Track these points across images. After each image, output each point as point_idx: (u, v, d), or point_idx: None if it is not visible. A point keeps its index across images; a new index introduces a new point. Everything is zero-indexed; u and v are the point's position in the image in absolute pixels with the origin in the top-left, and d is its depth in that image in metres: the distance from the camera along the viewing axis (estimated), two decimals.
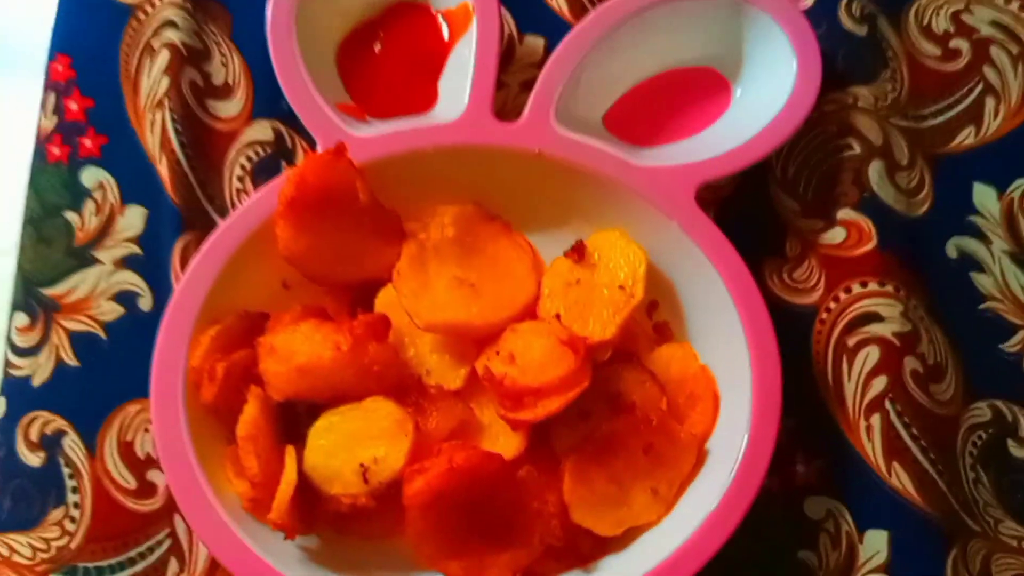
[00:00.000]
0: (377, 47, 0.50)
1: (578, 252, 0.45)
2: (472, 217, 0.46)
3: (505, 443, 0.43)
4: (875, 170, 0.48)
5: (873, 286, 0.46)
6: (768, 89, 0.46)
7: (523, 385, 0.42)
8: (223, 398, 0.42)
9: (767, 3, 0.46)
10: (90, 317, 0.48)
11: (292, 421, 0.43)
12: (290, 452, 0.41)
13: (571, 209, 0.47)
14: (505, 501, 0.40)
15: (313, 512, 0.41)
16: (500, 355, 0.43)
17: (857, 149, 0.48)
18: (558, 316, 0.44)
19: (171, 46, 0.51)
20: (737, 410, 0.43)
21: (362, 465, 0.40)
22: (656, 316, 0.47)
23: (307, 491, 0.41)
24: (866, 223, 0.47)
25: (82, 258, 0.49)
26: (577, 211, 0.47)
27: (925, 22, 0.51)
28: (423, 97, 0.49)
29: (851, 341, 0.46)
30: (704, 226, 0.44)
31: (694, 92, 0.50)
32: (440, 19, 0.50)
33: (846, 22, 0.50)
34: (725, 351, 0.44)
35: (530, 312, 0.45)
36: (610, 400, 0.44)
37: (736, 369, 0.43)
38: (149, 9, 0.52)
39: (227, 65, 0.51)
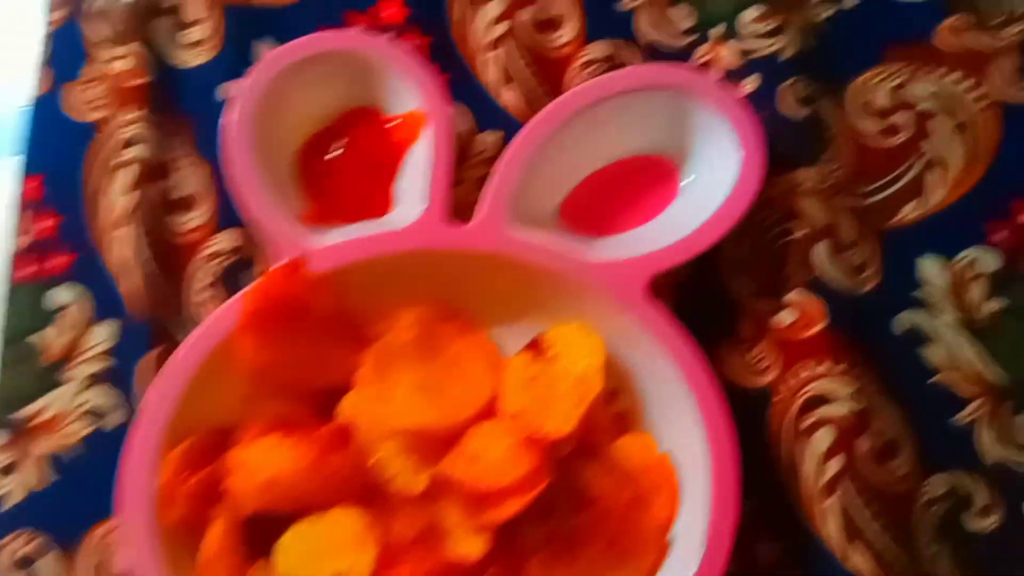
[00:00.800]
0: (334, 154, 0.51)
1: (535, 347, 0.46)
2: (430, 318, 0.47)
3: (470, 545, 0.43)
4: (820, 251, 0.49)
5: (826, 366, 0.47)
6: (714, 177, 0.47)
7: (486, 487, 0.42)
8: (192, 516, 0.42)
9: (709, 96, 0.47)
10: (62, 436, 0.48)
11: (262, 535, 0.43)
12: (256, 570, 0.42)
13: (529, 304, 0.48)
14: None
15: None
16: (461, 458, 0.43)
17: (803, 230, 0.48)
18: (517, 415, 0.44)
19: (134, 162, 0.51)
20: (697, 498, 0.43)
21: None
22: (616, 405, 0.47)
23: None
24: (815, 304, 0.48)
25: (50, 379, 0.50)
26: (535, 306, 0.48)
27: (865, 99, 0.52)
28: (380, 202, 0.50)
29: (805, 423, 0.46)
30: (657, 317, 0.45)
31: (645, 180, 0.51)
32: (394, 124, 0.51)
33: (786, 106, 0.51)
34: (682, 439, 0.44)
35: (491, 410, 0.45)
36: (573, 495, 0.44)
37: (694, 456, 0.43)
38: (112, 126, 0.52)
39: (192, 177, 0.52)
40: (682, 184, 0.50)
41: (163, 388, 0.44)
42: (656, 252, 0.46)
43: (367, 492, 0.44)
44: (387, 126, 0.51)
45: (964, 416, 0.48)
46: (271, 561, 0.42)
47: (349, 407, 0.46)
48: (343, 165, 0.51)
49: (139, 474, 0.43)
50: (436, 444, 0.45)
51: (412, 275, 0.47)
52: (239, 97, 0.48)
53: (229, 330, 0.44)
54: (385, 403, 0.45)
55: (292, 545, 0.43)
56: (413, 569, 0.40)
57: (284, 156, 0.50)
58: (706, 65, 0.53)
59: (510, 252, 0.46)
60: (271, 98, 0.48)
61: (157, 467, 0.43)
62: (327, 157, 0.51)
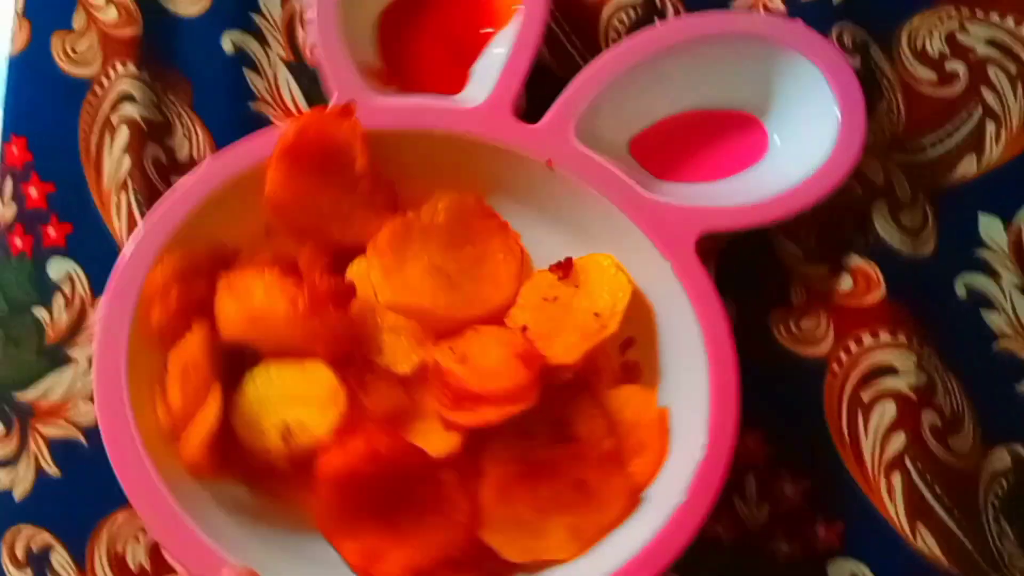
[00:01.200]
0: (419, 19, 0.48)
1: (564, 269, 0.44)
2: (469, 209, 0.44)
3: (437, 441, 0.41)
4: (879, 212, 0.46)
5: (885, 337, 0.44)
6: (806, 143, 0.44)
7: (468, 387, 0.40)
8: (174, 325, 0.41)
9: (807, 49, 0.44)
10: (68, 421, 0.44)
11: (237, 364, 0.42)
12: (215, 390, 0.40)
13: (571, 224, 0.45)
14: (418, 498, 0.39)
15: (227, 459, 0.40)
16: (454, 351, 0.41)
17: (859, 190, 0.45)
18: (524, 328, 0.42)
19: (131, 122, 0.47)
20: (684, 465, 0.41)
21: (286, 425, 0.39)
22: (629, 354, 0.45)
23: (226, 436, 0.40)
24: (873, 270, 0.45)
25: (55, 357, 0.46)
26: (577, 227, 0.45)
27: (919, 46, 0.48)
28: (453, 79, 0.47)
29: (866, 395, 0.43)
30: (697, 275, 0.42)
31: (730, 135, 0.47)
32: (489, 4, 0.47)
33: None
34: (686, 406, 0.42)
35: (499, 318, 0.43)
36: (554, 426, 0.42)
37: (692, 426, 0.41)
38: (105, 82, 0.48)
39: (189, 138, 0.47)
40: (770, 145, 0.47)
41: (181, 196, 0.42)
42: (715, 208, 0.43)
43: (350, 357, 0.41)
44: (481, 4, 0.48)
45: None
46: (237, 388, 0.40)
47: (359, 270, 0.43)
48: (426, 33, 0.48)
49: (132, 272, 0.41)
50: (434, 333, 0.43)
51: (458, 160, 0.44)
52: None
53: (262, 156, 0.42)
54: (395, 276, 0.42)
55: (262, 379, 0.41)
56: (369, 443, 0.38)
57: (371, 7, 0.47)
58: (751, 7, 0.49)
59: (567, 164, 0.43)
60: None
61: (152, 267, 0.41)
62: (414, 20, 0.48)
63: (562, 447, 0.42)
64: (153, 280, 0.41)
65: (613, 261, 0.43)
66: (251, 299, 0.40)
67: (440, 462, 0.40)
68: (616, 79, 0.44)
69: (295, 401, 0.40)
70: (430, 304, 0.42)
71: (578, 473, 0.41)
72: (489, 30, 0.47)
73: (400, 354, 0.43)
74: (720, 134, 0.47)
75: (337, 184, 0.43)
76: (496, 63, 0.45)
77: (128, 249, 0.41)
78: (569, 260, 0.44)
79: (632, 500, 0.41)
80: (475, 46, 0.47)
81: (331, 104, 0.43)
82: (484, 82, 0.45)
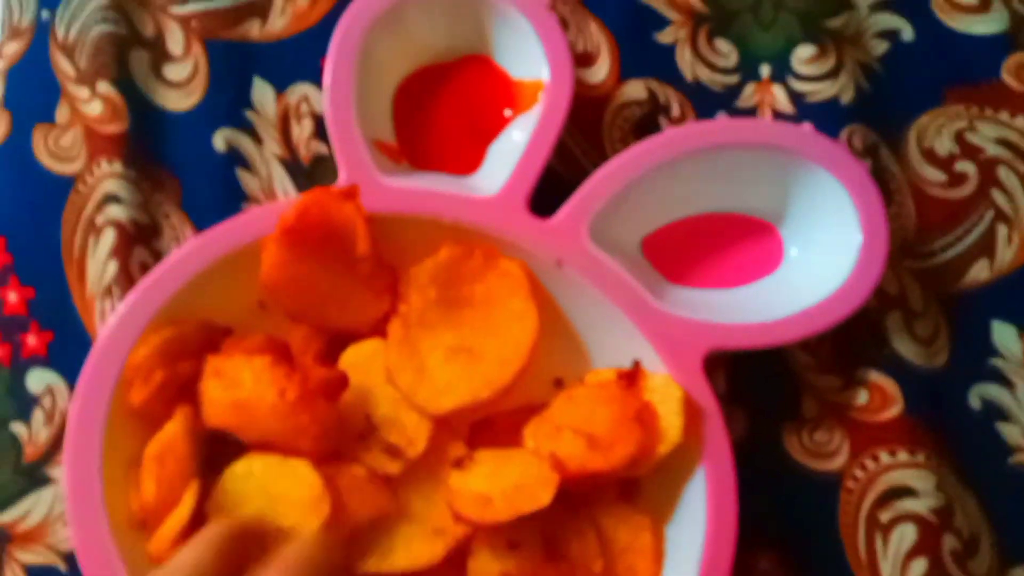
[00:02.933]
0: (437, 94, 0.46)
1: (630, 379, 0.41)
2: (449, 263, 0.42)
3: (421, 548, 0.39)
4: (893, 323, 0.44)
5: (903, 455, 0.42)
6: (824, 259, 0.42)
7: (483, 519, 0.38)
8: (154, 406, 0.39)
9: (831, 165, 0.42)
10: (48, 547, 0.41)
11: (219, 449, 0.39)
12: (192, 487, 0.37)
13: (575, 325, 0.44)
14: None
15: None
16: (474, 475, 0.39)
17: (874, 301, 0.42)
18: (559, 433, 0.40)
19: (117, 224, 0.44)
20: None
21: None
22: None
23: (198, 526, 0.37)
24: (890, 385, 0.43)
25: (33, 477, 0.43)
26: (581, 329, 0.44)
27: (927, 144, 0.46)
28: (469, 158, 0.45)
29: (884, 516, 0.41)
30: (702, 394, 0.40)
31: (745, 241, 0.45)
32: (510, 85, 0.46)
33: None
34: (682, 533, 0.40)
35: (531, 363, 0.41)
36: (545, 540, 0.40)
37: (687, 555, 0.39)
38: (89, 179, 0.45)
39: (178, 240, 0.44)
40: (785, 256, 0.45)
41: (172, 268, 0.40)
42: (731, 325, 0.41)
43: (338, 452, 0.39)
44: (502, 84, 0.46)
45: None
46: (217, 480, 0.38)
47: (354, 358, 0.41)
48: (444, 108, 0.46)
49: (116, 344, 0.39)
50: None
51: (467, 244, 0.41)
52: (354, 7, 0.43)
53: (260, 234, 0.40)
54: (422, 384, 0.40)
55: (242, 478, 0.38)
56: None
57: (388, 82, 0.46)
58: (755, 107, 0.48)
59: (578, 264, 0.41)
60: (388, 17, 0.44)
61: (137, 344, 0.39)
62: (431, 95, 0.47)
63: (551, 565, 0.39)
64: (135, 358, 0.39)
65: (683, 394, 0.40)
66: (239, 386, 0.38)
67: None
68: (632, 179, 0.42)
69: (277, 504, 0.38)
70: (471, 394, 0.40)
71: None
72: (509, 113, 0.45)
73: (387, 461, 0.40)
74: (735, 239, 0.45)
75: (337, 266, 0.41)
76: (513, 149, 0.43)
77: (108, 327, 0.39)
78: (640, 370, 0.41)
79: None
80: (494, 127, 0.46)
81: (338, 183, 0.41)
82: (500, 166, 0.43)
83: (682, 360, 0.40)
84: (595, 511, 0.41)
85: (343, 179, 0.41)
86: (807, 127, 0.43)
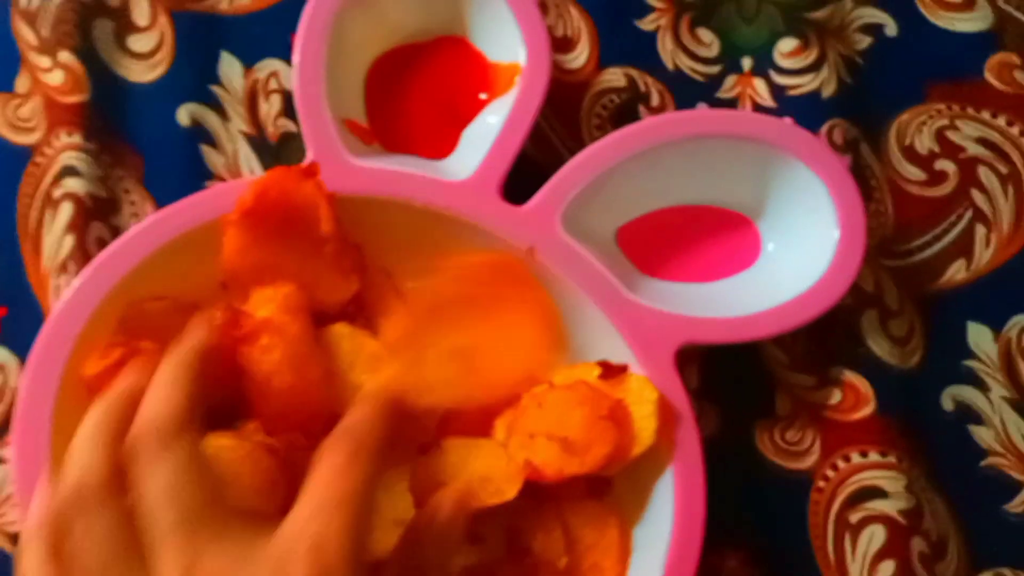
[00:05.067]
0: (411, 75, 0.45)
1: (612, 372, 0.39)
2: (486, 266, 0.40)
3: (378, 539, 0.36)
4: (868, 321, 0.43)
5: (874, 456, 0.41)
6: (799, 253, 0.41)
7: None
8: (107, 381, 0.36)
9: (809, 159, 0.41)
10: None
11: None
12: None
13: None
14: None
15: None
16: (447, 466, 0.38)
17: (849, 299, 0.41)
18: (536, 434, 0.38)
19: (74, 197, 0.42)
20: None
21: None
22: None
23: None
24: (863, 384, 0.42)
25: None
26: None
27: (908, 142, 0.45)
28: (442, 141, 0.44)
29: (853, 517, 0.41)
30: (674, 389, 0.39)
31: (721, 234, 0.44)
32: (487, 67, 0.44)
33: None
34: (649, 530, 0.39)
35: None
36: (509, 535, 0.39)
37: (653, 553, 0.38)
38: (48, 151, 0.43)
39: (137, 216, 0.43)
40: (762, 251, 0.43)
41: (123, 245, 0.38)
42: (705, 319, 0.40)
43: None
44: (479, 67, 0.45)
45: (1016, 504, 0.42)
46: None
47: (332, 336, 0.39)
48: (416, 90, 0.45)
49: (71, 317, 0.38)
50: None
51: (434, 232, 0.40)
52: None
53: (222, 211, 0.38)
54: (414, 374, 0.38)
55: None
56: None
57: (359, 60, 0.44)
58: (736, 99, 0.47)
59: (549, 253, 0.40)
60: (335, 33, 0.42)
61: (100, 317, 0.37)
62: (405, 75, 0.45)
63: (514, 559, 0.38)
64: (91, 331, 0.37)
65: (658, 396, 0.39)
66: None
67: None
68: (608, 167, 0.41)
69: (232, 486, 0.36)
70: (451, 402, 0.39)
71: None
72: (484, 96, 0.44)
73: None
74: (711, 232, 0.44)
75: (301, 247, 0.39)
76: (488, 133, 0.41)
77: (62, 300, 0.37)
78: (624, 367, 0.40)
79: None
80: (469, 110, 0.44)
81: (304, 162, 0.39)
82: (473, 151, 0.41)
83: (654, 353, 0.39)
84: (562, 507, 0.39)
85: (310, 158, 0.39)
86: (788, 121, 0.42)
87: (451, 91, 0.45)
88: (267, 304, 0.37)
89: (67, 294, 0.37)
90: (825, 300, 0.39)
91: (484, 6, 0.42)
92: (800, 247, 0.41)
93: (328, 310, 0.40)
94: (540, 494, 0.39)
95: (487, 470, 0.38)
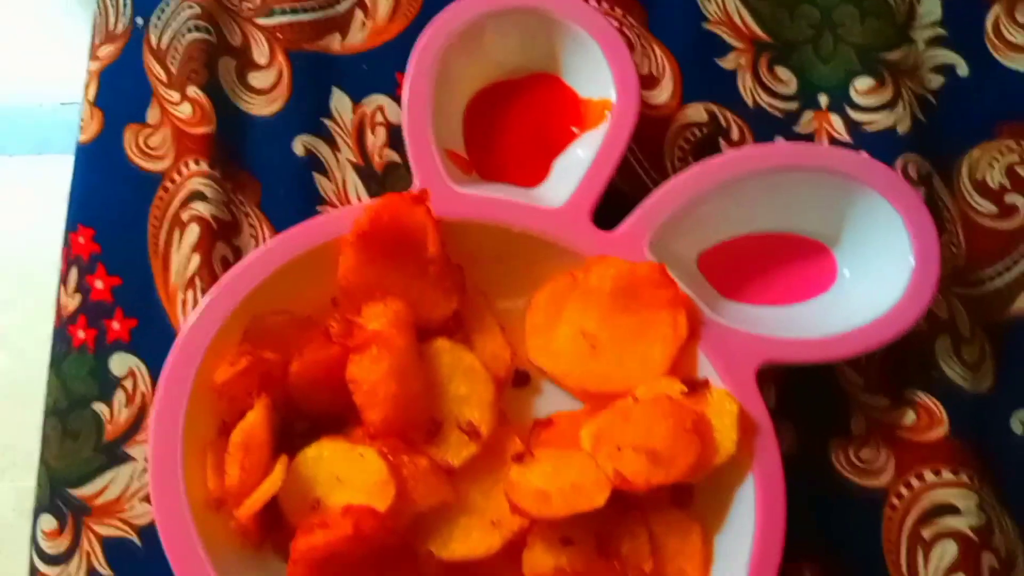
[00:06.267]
0: (507, 109, 0.48)
1: (695, 388, 0.42)
2: (642, 276, 0.43)
3: (477, 539, 0.40)
4: (942, 347, 0.44)
5: (947, 475, 0.43)
6: (876, 281, 0.43)
7: (540, 515, 0.40)
8: (235, 389, 0.41)
9: (887, 191, 0.43)
10: (123, 521, 0.43)
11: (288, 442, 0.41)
12: (283, 461, 0.39)
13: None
14: None
15: (266, 532, 0.40)
16: (533, 472, 0.41)
17: (923, 325, 0.43)
18: (625, 447, 0.41)
19: (200, 220, 0.46)
20: None
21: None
22: None
23: (271, 509, 0.39)
24: (936, 406, 0.44)
25: (113, 454, 0.44)
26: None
27: (979, 176, 0.47)
28: (534, 171, 0.47)
29: (926, 533, 0.42)
30: (755, 406, 0.42)
31: (799, 261, 0.46)
32: (578, 103, 0.48)
33: None
34: (731, 540, 0.41)
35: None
36: (597, 539, 0.41)
37: (735, 563, 0.40)
38: (176, 178, 0.47)
39: (256, 238, 0.46)
40: (839, 277, 0.46)
41: (249, 265, 0.42)
42: (785, 340, 0.42)
43: (407, 445, 0.41)
44: (571, 102, 0.48)
45: None
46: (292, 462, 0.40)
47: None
48: (512, 122, 0.48)
49: (201, 332, 0.41)
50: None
51: (530, 255, 0.44)
52: (434, 25, 0.45)
53: (335, 235, 0.42)
54: (543, 335, 0.43)
55: (312, 461, 0.40)
56: (356, 525, 0.38)
57: (461, 94, 0.48)
58: (813, 134, 0.49)
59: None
60: (465, 35, 0.46)
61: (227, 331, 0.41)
62: (501, 109, 0.49)
63: (602, 561, 0.40)
64: (221, 342, 0.41)
65: (740, 410, 0.42)
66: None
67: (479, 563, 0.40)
68: (693, 196, 0.44)
69: (345, 486, 0.40)
70: (562, 373, 0.43)
71: None
72: (576, 130, 0.47)
73: (456, 445, 0.42)
74: (789, 259, 0.46)
75: (408, 267, 0.42)
76: (578, 165, 0.44)
77: (193, 314, 0.41)
78: (706, 381, 0.42)
79: None
80: (560, 142, 0.47)
81: (411, 189, 0.43)
82: (564, 181, 0.44)
83: (735, 372, 0.41)
84: (647, 514, 0.42)
85: (417, 185, 0.43)
86: (864, 154, 0.44)
87: (544, 124, 0.48)
88: (378, 318, 0.40)
89: (198, 309, 0.41)
90: (899, 325, 0.41)
91: (577, 46, 0.46)
92: (876, 274, 0.43)
93: (430, 326, 0.43)
94: (627, 502, 0.41)
95: (578, 478, 0.40)
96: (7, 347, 1.07)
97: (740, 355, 0.41)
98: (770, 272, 0.45)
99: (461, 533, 0.40)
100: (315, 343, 0.41)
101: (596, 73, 0.45)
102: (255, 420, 0.39)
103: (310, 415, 0.42)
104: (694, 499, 0.42)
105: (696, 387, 0.41)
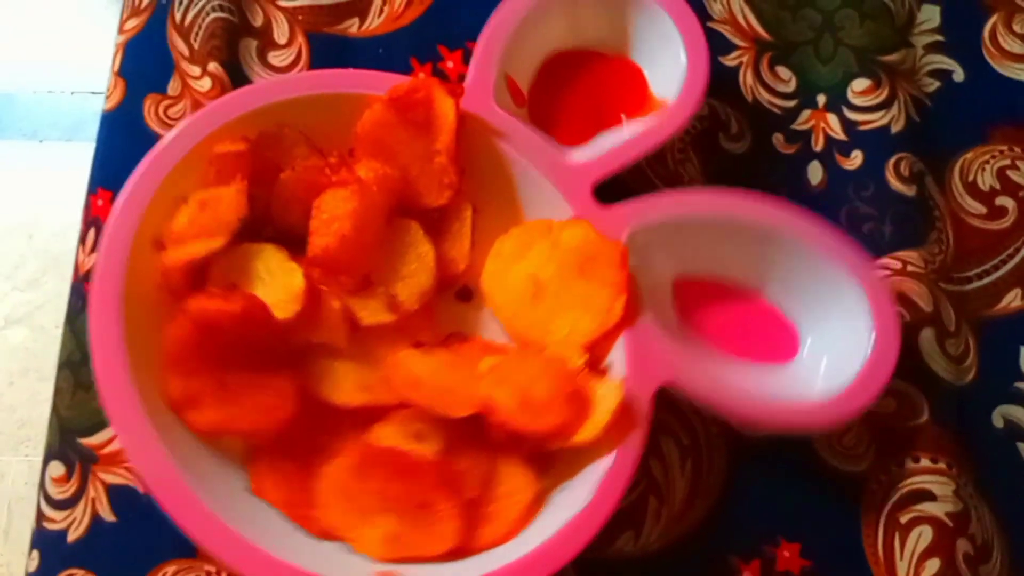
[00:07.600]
0: (581, 74, 0.50)
1: (594, 368, 0.43)
2: (606, 251, 0.43)
3: (345, 391, 0.42)
4: (926, 338, 0.45)
5: (925, 462, 0.43)
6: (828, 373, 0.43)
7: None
8: (224, 162, 0.42)
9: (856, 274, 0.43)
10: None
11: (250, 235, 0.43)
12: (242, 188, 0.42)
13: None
14: (258, 373, 0.41)
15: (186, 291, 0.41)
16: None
17: (907, 316, 0.44)
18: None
19: None
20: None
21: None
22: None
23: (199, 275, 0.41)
24: (917, 395, 0.44)
25: None
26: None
27: (971, 178, 0.48)
28: (577, 135, 0.48)
29: (904, 518, 0.43)
30: (639, 416, 0.41)
31: (767, 326, 0.47)
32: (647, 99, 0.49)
33: (894, 183, 0.47)
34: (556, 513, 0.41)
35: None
36: (445, 451, 0.41)
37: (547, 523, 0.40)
38: None
39: None
40: (796, 358, 0.46)
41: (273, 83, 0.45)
42: (697, 373, 0.42)
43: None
44: (640, 95, 0.49)
45: None
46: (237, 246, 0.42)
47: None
48: (578, 89, 0.50)
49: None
50: None
51: (527, 192, 0.46)
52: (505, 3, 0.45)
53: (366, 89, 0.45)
54: (499, 264, 0.44)
55: (256, 251, 0.43)
56: (248, 304, 0.40)
57: (540, 46, 0.49)
58: (810, 130, 0.51)
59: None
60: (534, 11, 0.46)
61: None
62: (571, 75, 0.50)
63: (435, 466, 0.40)
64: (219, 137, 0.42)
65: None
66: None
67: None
68: (679, 215, 0.45)
69: (264, 284, 0.42)
70: (499, 305, 0.44)
71: (431, 497, 0.40)
72: (624, 117, 0.48)
73: (374, 308, 0.44)
74: (759, 321, 0.46)
75: (417, 147, 0.44)
76: (610, 144, 0.45)
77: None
78: (606, 369, 0.43)
79: (456, 554, 0.40)
80: (609, 122, 0.48)
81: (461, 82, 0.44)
82: (592, 151, 0.46)
83: (640, 376, 0.41)
84: (499, 456, 0.42)
85: (467, 83, 0.44)
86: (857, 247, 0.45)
87: (605, 102, 0.49)
88: (369, 172, 0.43)
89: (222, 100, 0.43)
90: (856, 402, 0.42)
91: (665, 43, 0.47)
92: (830, 370, 0.43)
93: (414, 208, 0.45)
94: (489, 440, 0.42)
95: (454, 385, 0.41)
96: (29, 323, 1.08)
97: (652, 364, 0.41)
98: (733, 324, 0.46)
99: (337, 376, 0.42)
100: (311, 165, 0.43)
101: (673, 76, 0.46)
102: (225, 192, 0.41)
103: (280, 226, 0.43)
104: (548, 468, 0.42)
105: (596, 368, 0.42)
